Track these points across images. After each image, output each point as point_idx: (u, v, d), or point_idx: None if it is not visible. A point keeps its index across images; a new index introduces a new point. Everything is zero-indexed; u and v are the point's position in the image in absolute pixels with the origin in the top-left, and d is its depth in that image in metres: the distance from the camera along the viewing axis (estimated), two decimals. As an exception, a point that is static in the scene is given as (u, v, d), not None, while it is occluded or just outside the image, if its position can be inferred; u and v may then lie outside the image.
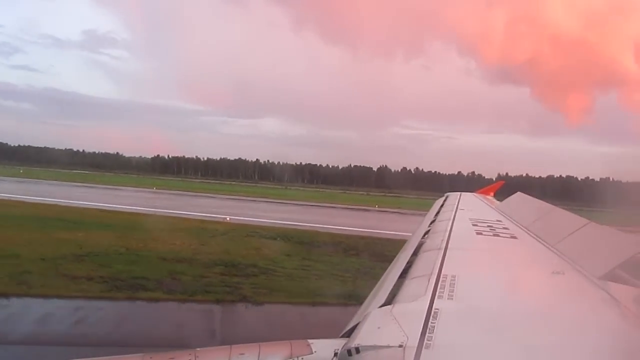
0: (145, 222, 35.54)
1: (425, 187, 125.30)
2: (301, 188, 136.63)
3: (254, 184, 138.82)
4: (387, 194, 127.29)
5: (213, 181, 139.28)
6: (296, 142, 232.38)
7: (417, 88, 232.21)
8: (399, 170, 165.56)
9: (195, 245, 27.01)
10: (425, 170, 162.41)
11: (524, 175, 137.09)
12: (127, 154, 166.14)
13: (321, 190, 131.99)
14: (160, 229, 32.66)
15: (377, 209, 67.13)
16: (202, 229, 33.94)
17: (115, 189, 72.87)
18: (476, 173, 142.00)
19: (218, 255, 24.33)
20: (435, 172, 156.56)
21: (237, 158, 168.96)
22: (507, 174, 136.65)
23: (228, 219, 40.22)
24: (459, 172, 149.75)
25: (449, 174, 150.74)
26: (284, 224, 39.82)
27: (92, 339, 12.69)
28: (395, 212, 60.37)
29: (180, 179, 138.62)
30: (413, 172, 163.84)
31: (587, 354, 2.77)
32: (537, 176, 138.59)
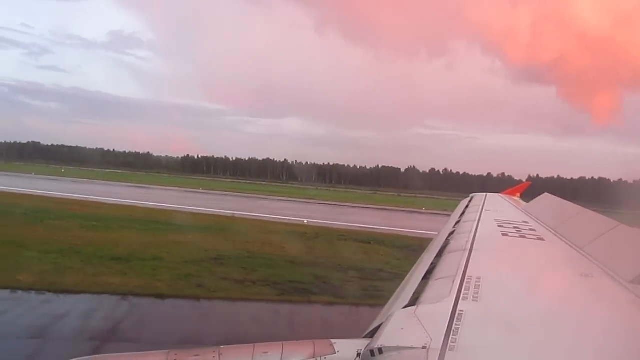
0: (234, 225, 36.60)
1: (455, 188, 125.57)
2: (332, 189, 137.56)
3: (283, 185, 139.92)
4: (418, 195, 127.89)
5: (244, 181, 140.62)
6: (318, 142, 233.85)
7: (440, 88, 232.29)
8: (427, 171, 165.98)
9: (304, 248, 27.78)
10: (453, 171, 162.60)
11: (555, 177, 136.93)
12: (155, 154, 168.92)
13: (351, 191, 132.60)
14: (255, 232, 33.76)
15: (426, 211, 67.72)
16: (292, 232, 34.87)
17: (166, 189, 74.26)
18: (506, 174, 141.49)
19: (336, 259, 25.16)
20: (465, 173, 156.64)
21: (265, 158, 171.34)
22: (537, 175, 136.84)
23: (306, 222, 41.24)
24: (489, 174, 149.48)
25: (478, 175, 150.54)
26: (359, 226, 40.86)
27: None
28: (448, 215, 60.84)
29: (210, 178, 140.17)
30: (442, 173, 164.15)
31: (615, 358, 2.75)
32: (568, 178, 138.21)
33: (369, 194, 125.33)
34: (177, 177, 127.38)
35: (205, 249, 25.17)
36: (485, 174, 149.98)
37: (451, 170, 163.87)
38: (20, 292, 16.48)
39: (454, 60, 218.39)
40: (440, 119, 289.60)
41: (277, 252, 26.10)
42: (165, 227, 32.66)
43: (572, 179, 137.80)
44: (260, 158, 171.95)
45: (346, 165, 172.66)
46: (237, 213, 43.84)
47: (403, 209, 69.82)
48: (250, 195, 77.36)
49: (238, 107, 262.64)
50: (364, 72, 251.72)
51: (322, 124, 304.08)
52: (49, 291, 16.51)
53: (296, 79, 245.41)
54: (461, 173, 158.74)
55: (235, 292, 17.81)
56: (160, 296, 16.78)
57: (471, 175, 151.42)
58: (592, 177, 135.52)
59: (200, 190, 78.70)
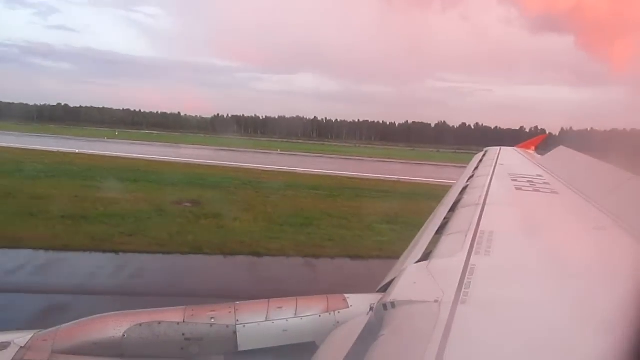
0: (425, 190, 38.26)
1: (488, 143, 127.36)
2: (369, 146, 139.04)
3: (321, 142, 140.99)
4: (457, 151, 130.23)
5: (281, 140, 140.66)
6: (332, 98, 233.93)
7: (455, 39, 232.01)
8: (457, 126, 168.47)
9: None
10: (485, 125, 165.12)
11: (589, 129, 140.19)
12: (183, 113, 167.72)
13: (389, 148, 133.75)
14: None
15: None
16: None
17: (247, 152, 74.97)
18: (539, 128, 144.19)
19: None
20: (497, 127, 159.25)
21: (295, 116, 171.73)
22: (571, 128, 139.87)
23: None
24: (522, 127, 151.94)
25: (509, 129, 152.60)
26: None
27: None
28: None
29: (247, 138, 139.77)
30: (473, 127, 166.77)
31: (628, 309, 2.62)
32: (601, 130, 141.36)
33: (408, 150, 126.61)
34: (220, 137, 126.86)
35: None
36: (517, 128, 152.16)
37: (482, 125, 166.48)
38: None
39: (469, 11, 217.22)
40: (456, 71, 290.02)
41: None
42: (383, 195, 34.26)
43: (605, 131, 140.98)
44: (288, 116, 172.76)
45: (376, 121, 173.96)
46: (392, 177, 45.70)
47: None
48: (332, 155, 78.53)
49: (249, 63, 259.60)
50: (377, 24, 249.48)
51: (336, 79, 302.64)
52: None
53: (307, 33, 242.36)
54: (493, 127, 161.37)
55: None
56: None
57: (504, 130, 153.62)
58: (625, 129, 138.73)
59: (280, 152, 79.68)
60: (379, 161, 72.85)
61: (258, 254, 17.93)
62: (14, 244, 16.97)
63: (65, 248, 16.94)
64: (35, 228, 18.92)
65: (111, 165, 41.80)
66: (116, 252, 17.10)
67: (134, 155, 52.79)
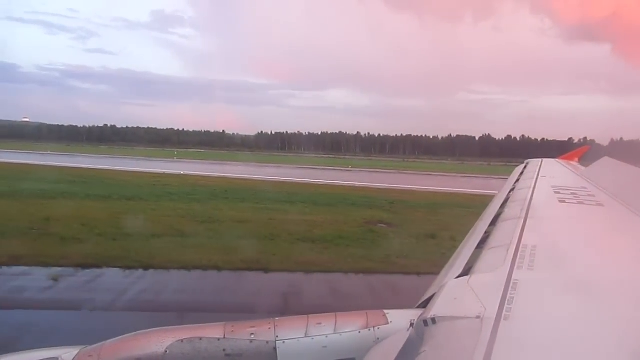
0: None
1: (533, 154, 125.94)
2: (417, 160, 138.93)
3: (367, 157, 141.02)
4: (507, 164, 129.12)
5: (326, 156, 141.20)
6: (363, 113, 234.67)
7: (488, 51, 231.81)
8: (503, 138, 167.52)
9: None
10: (532, 137, 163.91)
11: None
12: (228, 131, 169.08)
13: (438, 162, 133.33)
14: None
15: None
16: None
17: (336, 169, 75.23)
18: (588, 139, 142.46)
19: None
20: (543, 139, 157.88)
21: (338, 132, 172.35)
22: (621, 138, 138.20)
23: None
24: (570, 139, 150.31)
25: (555, 141, 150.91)
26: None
27: None
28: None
29: (294, 154, 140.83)
30: (519, 139, 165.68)
31: None
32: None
33: (456, 164, 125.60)
34: (278, 155, 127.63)
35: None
36: (565, 139, 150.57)
37: (528, 137, 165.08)
38: None
39: (501, 22, 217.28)
40: (489, 83, 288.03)
41: None
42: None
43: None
44: (331, 132, 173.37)
45: (419, 135, 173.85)
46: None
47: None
48: (405, 171, 78.27)
49: (281, 80, 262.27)
50: (408, 38, 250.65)
51: (368, 94, 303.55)
52: None
53: (339, 50, 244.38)
54: (539, 139, 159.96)
55: None
56: None
57: (550, 141, 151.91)
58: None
59: (350, 169, 79.77)
60: (459, 176, 72.57)
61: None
62: (314, 267, 17.19)
63: (366, 271, 17.13)
64: (299, 252, 19.08)
65: (240, 187, 41.91)
66: (419, 274, 16.81)
67: (236, 175, 53.38)
